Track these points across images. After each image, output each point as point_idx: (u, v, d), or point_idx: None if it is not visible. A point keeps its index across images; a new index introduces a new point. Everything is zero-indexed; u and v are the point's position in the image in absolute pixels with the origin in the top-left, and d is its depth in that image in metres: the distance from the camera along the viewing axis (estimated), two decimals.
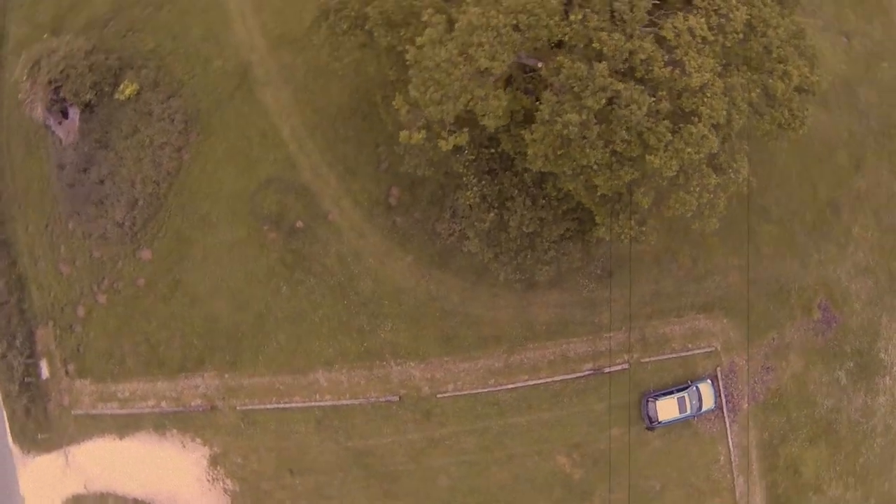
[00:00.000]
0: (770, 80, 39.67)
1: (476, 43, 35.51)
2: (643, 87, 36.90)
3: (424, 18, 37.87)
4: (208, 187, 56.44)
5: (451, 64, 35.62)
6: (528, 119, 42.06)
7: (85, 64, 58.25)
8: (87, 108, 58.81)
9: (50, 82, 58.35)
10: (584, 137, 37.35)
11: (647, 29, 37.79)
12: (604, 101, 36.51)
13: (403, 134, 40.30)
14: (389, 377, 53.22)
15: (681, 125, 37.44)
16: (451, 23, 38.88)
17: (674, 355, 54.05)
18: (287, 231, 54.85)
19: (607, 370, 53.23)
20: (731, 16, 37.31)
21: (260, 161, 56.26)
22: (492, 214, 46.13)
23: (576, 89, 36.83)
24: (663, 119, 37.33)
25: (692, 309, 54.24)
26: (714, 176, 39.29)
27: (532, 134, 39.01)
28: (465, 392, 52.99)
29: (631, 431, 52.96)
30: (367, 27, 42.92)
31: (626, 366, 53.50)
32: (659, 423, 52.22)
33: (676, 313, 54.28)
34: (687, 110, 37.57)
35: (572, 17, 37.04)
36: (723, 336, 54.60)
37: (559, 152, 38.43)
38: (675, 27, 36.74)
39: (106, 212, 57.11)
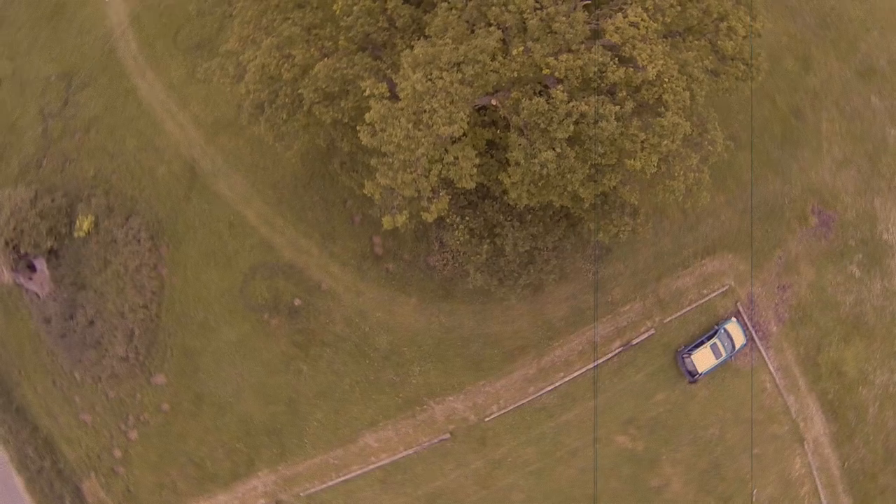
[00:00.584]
0: (718, 41, 39.45)
1: (428, 110, 34.98)
2: (605, 97, 36.65)
3: (366, 91, 37.23)
4: (196, 294, 55.95)
5: (410, 140, 35.13)
6: (492, 147, 41.76)
7: (34, 213, 57.17)
8: (52, 254, 57.93)
9: (7, 243, 57.26)
10: (563, 167, 37.15)
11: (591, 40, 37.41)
12: (572, 127, 36.23)
13: (387, 220, 39.92)
14: (434, 418, 53.55)
15: (650, 119, 37.29)
16: (393, 86, 38.35)
17: (693, 306, 54.60)
18: (287, 313, 54.59)
19: (635, 342, 53.73)
20: None
21: (237, 253, 55.77)
22: (486, 245, 46.06)
23: (542, 125, 36.49)
24: (633, 120, 37.17)
25: (696, 257, 54.67)
26: (693, 155, 39.28)
27: (510, 178, 38.76)
28: (510, 407, 53.47)
29: (676, 389, 53.72)
30: (305, 108, 42.22)
31: (651, 331, 54.00)
32: (700, 374, 52.96)
33: (682, 266, 54.74)
34: (651, 102, 37.39)
35: (515, 53, 36.55)
36: (733, 272, 55.15)
37: (540, 184, 38.25)
38: (618, 27, 36.35)
39: (106, 351, 56.53)
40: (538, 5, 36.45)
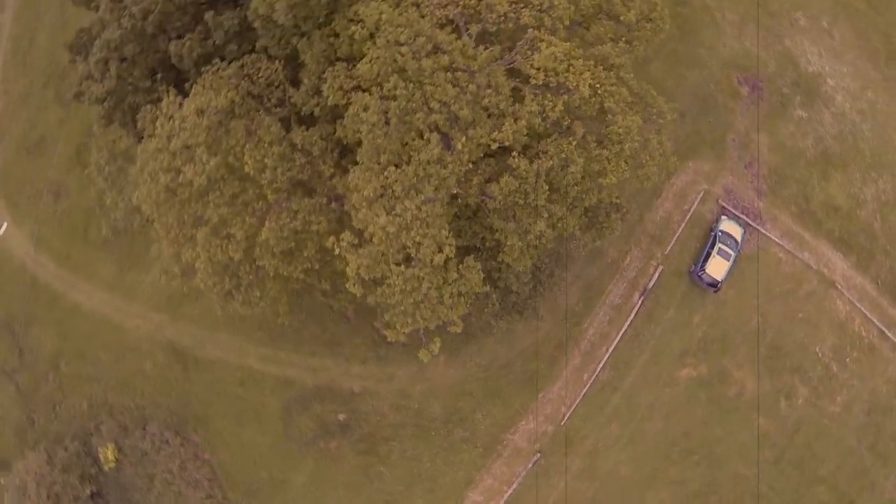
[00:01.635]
0: (620, 17, 39.24)
1: (412, 244, 34.59)
2: (557, 137, 36.51)
3: (335, 250, 36.70)
4: (248, 458, 55.74)
5: (410, 281, 34.82)
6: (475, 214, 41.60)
7: (57, 471, 56.28)
8: (97, 497, 57.03)
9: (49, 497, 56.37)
10: (552, 220, 37.35)
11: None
12: (546, 185, 36.15)
13: (423, 354, 40.27)
14: (518, 447, 54.58)
15: (603, 130, 37.26)
16: (344, 202, 37.92)
17: (682, 225, 55.59)
18: (339, 431, 54.71)
19: (651, 285, 54.80)
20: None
21: (262, 403, 55.59)
22: (493, 295, 46.24)
23: (520, 202, 36.30)
24: (589, 141, 37.19)
25: (662, 182, 55.31)
26: (652, 136, 39.42)
27: (510, 255, 38.77)
28: (577, 401, 54.61)
29: (707, 305, 55.12)
30: (271, 275, 41.49)
31: (660, 268, 55.03)
32: (720, 281, 54.24)
33: (655, 195, 55.47)
34: (596, 114, 37.29)
35: (460, 146, 35.98)
36: (701, 175, 56.14)
37: (536, 243, 38.39)
38: (539, 68, 35.89)
39: None
40: (458, 87, 35.68)
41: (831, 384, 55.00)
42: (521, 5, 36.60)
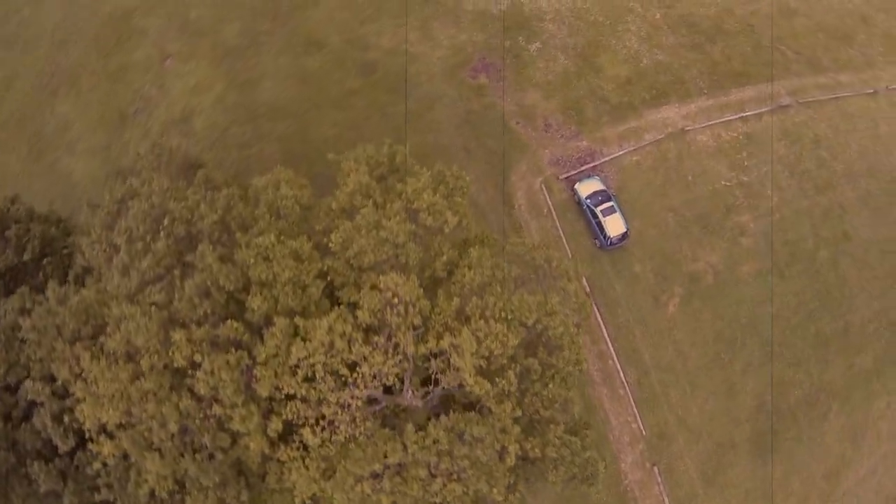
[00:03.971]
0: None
1: None
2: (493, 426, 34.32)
3: None
4: None
5: None
6: None
7: None
8: None
9: None
10: None
11: None
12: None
13: None
14: None
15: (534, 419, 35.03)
16: None
17: (557, 224, 54.52)
18: None
19: (587, 289, 54.20)
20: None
21: None
22: None
23: None
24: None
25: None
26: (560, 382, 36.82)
27: None
28: None
29: (617, 261, 54.95)
30: None
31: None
32: (626, 230, 53.87)
33: (514, 231, 53.89)
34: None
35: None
36: (525, 174, 54.76)
37: None
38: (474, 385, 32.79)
39: None
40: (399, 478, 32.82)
41: (755, 189, 56.41)
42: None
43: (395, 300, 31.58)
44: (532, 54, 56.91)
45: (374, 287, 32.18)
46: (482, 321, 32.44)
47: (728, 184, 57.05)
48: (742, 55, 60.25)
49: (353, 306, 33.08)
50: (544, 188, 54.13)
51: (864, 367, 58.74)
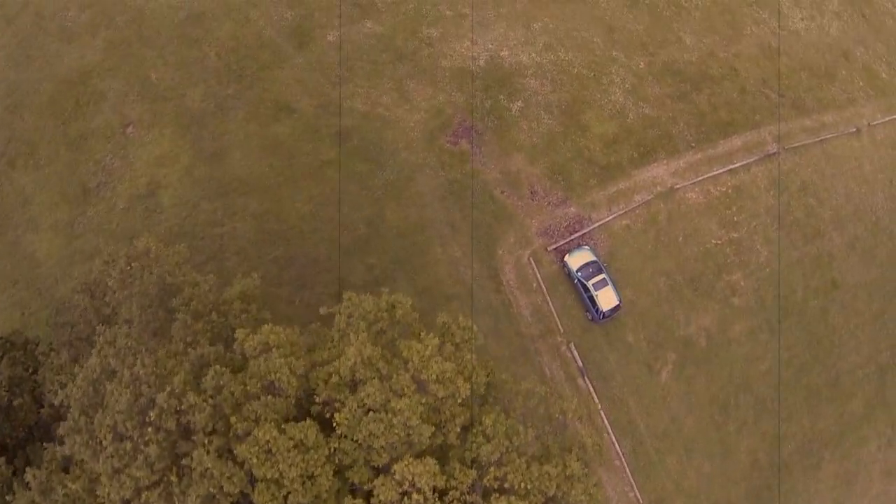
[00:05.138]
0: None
1: None
2: None
3: None
4: None
5: None
6: None
7: None
8: None
9: None
10: None
11: None
12: None
13: None
14: None
15: None
16: None
17: (548, 300, 52.80)
18: None
19: (580, 364, 52.92)
20: None
21: None
22: None
23: None
24: None
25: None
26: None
27: None
28: None
29: (610, 332, 53.59)
30: None
31: (571, 344, 52.95)
32: (619, 302, 52.42)
33: (505, 308, 52.09)
34: None
35: None
36: (514, 247, 52.78)
37: None
38: None
39: None
40: None
41: (745, 245, 55.40)
42: None
43: (412, 490, 29.66)
44: (514, 115, 54.53)
45: (388, 476, 30.13)
46: (503, 499, 30.71)
47: (718, 242, 55.79)
48: (728, 103, 58.59)
49: (368, 494, 31.05)
50: (532, 261, 52.22)
51: (855, 412, 58.74)
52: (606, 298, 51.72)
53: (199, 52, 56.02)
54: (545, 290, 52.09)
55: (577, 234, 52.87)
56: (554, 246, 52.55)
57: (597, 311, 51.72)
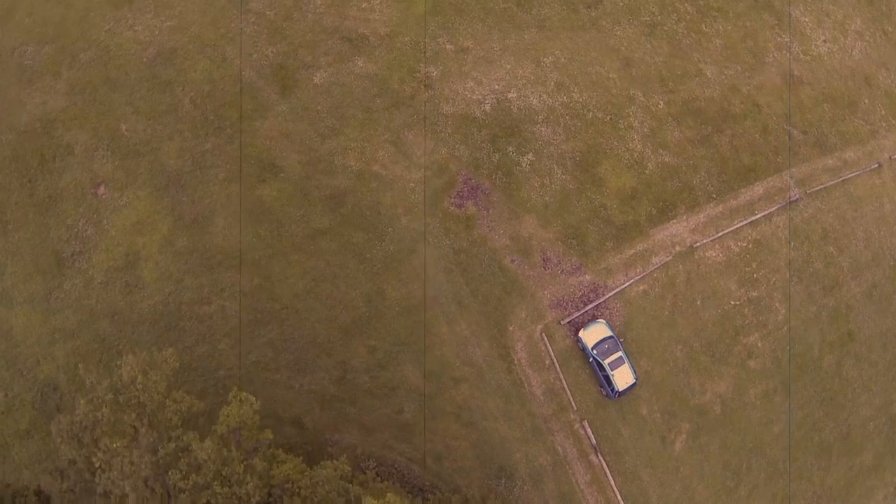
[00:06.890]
0: None
1: None
2: None
3: None
4: None
5: None
6: None
7: None
8: None
9: None
10: None
11: None
12: None
13: None
14: None
15: None
16: None
17: (561, 377, 49.66)
18: None
19: (594, 442, 50.42)
20: None
21: None
22: None
23: None
24: None
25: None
26: None
27: None
28: None
29: (623, 406, 51.05)
30: None
31: (584, 422, 50.27)
32: (635, 380, 49.62)
33: (516, 387, 48.91)
34: None
35: None
36: (525, 321, 49.12)
37: None
38: None
39: None
40: None
41: (763, 304, 52.67)
42: None
43: None
44: (525, 170, 49.98)
45: None
46: None
47: (737, 303, 52.73)
48: (750, 145, 54.53)
49: None
50: (545, 337, 48.76)
51: (864, 465, 57.46)
52: (622, 377, 48.81)
53: (172, 98, 49.98)
54: (558, 366, 48.84)
55: (591, 305, 49.31)
56: (568, 319, 49.07)
57: (612, 389, 48.79)
